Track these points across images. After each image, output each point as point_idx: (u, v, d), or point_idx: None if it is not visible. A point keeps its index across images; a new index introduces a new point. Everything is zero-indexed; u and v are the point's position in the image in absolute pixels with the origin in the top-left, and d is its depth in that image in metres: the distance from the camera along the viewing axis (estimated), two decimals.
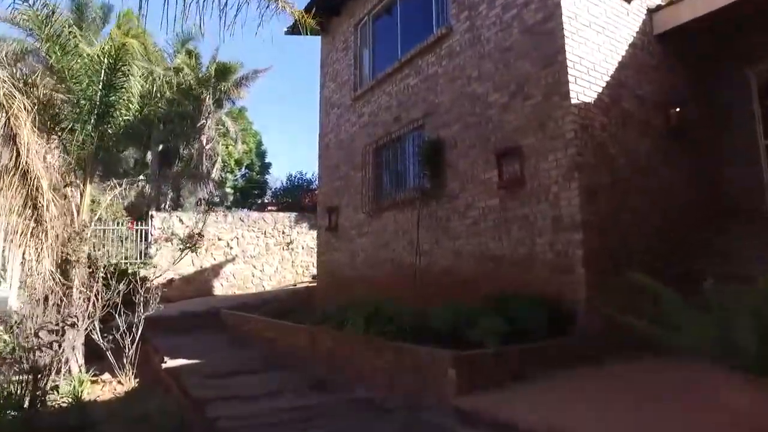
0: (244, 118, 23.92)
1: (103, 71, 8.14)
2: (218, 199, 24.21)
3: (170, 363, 7.59)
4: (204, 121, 20.99)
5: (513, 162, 6.20)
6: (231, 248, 19.47)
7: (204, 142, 20.98)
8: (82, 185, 8.69)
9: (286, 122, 62.06)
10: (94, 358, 8.00)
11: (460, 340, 4.83)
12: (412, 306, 6.78)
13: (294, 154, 62.27)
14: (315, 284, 12.53)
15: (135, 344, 7.69)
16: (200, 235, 18.93)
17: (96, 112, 8.16)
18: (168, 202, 21.49)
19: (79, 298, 8.04)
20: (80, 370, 8.00)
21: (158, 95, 19.57)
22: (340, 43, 11.03)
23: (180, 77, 20.65)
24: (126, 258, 18.92)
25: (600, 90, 5.94)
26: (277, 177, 35.11)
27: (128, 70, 8.18)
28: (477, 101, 6.97)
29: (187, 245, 19.19)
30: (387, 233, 8.62)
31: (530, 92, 6.12)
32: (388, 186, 8.96)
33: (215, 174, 21.17)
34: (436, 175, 7.45)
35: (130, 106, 8.64)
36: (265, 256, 19.77)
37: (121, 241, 19.10)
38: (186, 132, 22.36)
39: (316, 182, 23.75)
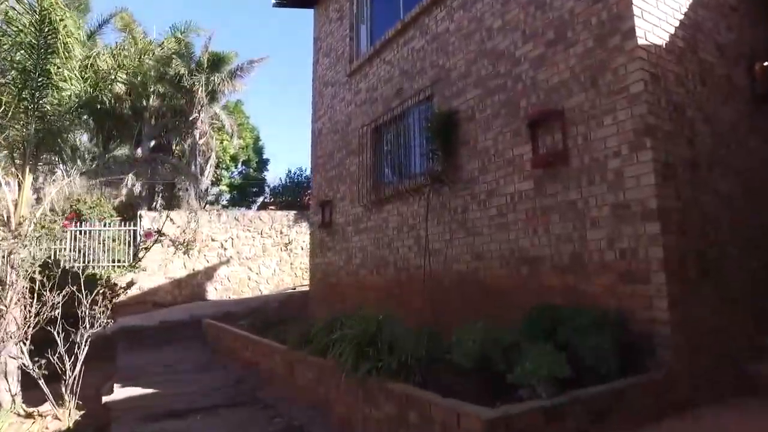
0: (240, 111, 22.40)
1: (31, 30, 6.55)
2: (213, 198, 22.74)
3: (117, 394, 6.05)
4: (197, 114, 19.48)
5: (552, 131, 4.59)
6: (225, 249, 17.95)
7: (197, 137, 19.48)
8: (19, 174, 7.17)
9: (284, 116, 60.21)
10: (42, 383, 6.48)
11: (492, 380, 3.25)
12: (421, 321, 5.19)
13: (293, 150, 60.39)
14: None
15: (78, 368, 6.15)
16: (191, 240, 17.48)
17: (30, 83, 6.62)
18: (160, 201, 20.02)
19: (16, 311, 6.54)
20: (13, 401, 6.49)
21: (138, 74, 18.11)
22: (334, 13, 9.45)
23: (171, 68, 19.18)
24: (114, 261, 17.50)
25: (672, 31, 4.31)
26: (276, 175, 33.92)
27: (64, 29, 6.57)
28: (501, 58, 5.36)
29: (178, 246, 17.74)
30: (389, 230, 7.04)
31: (575, 37, 4.50)
32: (390, 173, 7.37)
33: (209, 171, 19.66)
34: (448, 155, 5.85)
35: (79, 75, 7.07)
36: (262, 258, 18.23)
37: (108, 243, 17.70)
38: (179, 127, 20.87)
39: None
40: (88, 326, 6.11)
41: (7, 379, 6.66)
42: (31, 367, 5.99)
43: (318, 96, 9.89)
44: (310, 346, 4.93)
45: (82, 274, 6.88)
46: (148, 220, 17.55)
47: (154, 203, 19.96)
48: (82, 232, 17.35)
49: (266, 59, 20.50)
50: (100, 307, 6.06)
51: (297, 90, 60.00)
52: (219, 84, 19.73)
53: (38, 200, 19.39)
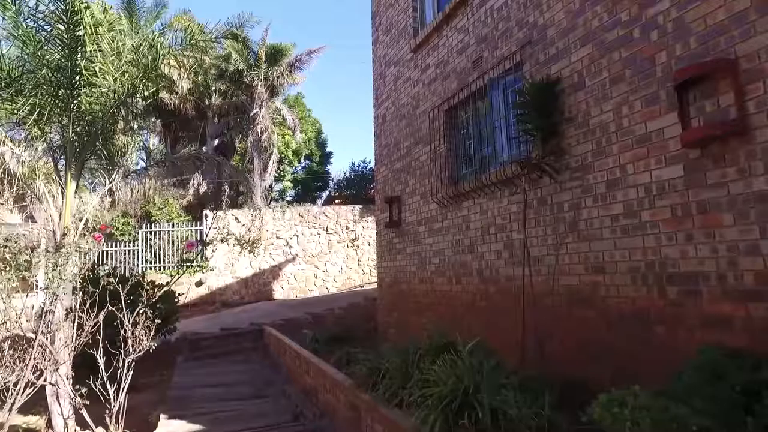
0: (301, 105, 21.73)
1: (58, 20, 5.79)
2: (277, 194, 22.30)
3: (162, 427, 5.25)
4: (257, 110, 18.96)
5: (715, 92, 3.17)
6: (291, 247, 17.34)
7: (258, 133, 18.97)
8: (62, 182, 6.56)
9: (347, 107, 59.22)
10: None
11: None
12: (516, 349, 3.95)
13: (358, 142, 59.20)
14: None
15: (122, 395, 5.40)
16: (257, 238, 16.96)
17: (61, 81, 5.91)
18: (225, 200, 19.76)
19: (66, 329, 5.93)
20: (66, 425, 5.89)
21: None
22: None
23: (231, 63, 18.74)
24: (183, 262, 17.36)
25: None
26: (340, 169, 33.16)
27: (91, 18, 5.77)
28: (622, 0, 3.95)
29: (244, 245, 17.31)
30: (470, 231, 5.79)
31: None
32: (469, 162, 6.10)
33: (271, 167, 19.13)
34: (548, 136, 4.50)
35: (115, 71, 6.31)
36: (328, 255, 17.47)
37: (177, 243, 17.59)
38: (240, 124, 20.51)
39: None
40: (130, 350, 5.32)
41: (59, 402, 6.10)
42: (72, 397, 5.32)
43: (379, 79, 8.74)
44: (381, 388, 3.82)
45: (137, 281, 6.20)
46: (212, 219, 17.25)
47: (220, 202, 19.71)
48: (153, 233, 17.36)
49: (325, 48, 19.67)
50: (141, 328, 5.25)
51: (359, 78, 58.70)
52: (278, 77, 19.11)
53: (113, 203, 19.69)
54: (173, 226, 17.33)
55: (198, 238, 17.15)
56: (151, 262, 16.93)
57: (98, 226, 13.45)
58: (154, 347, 5.26)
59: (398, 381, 3.59)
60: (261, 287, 16.93)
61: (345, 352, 5.94)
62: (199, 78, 20.23)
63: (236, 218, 17.15)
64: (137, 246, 17.07)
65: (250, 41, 18.87)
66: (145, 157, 25.58)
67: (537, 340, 4.22)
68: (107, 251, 16.89)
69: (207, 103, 20.82)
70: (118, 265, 16.77)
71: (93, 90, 6.14)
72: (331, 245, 17.35)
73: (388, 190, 8.03)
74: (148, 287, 5.46)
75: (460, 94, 6.06)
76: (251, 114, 18.99)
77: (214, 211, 17.51)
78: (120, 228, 17.87)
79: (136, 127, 20.26)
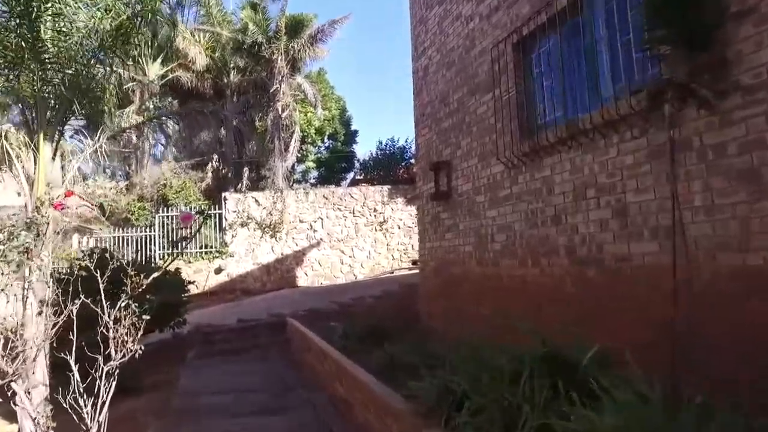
0: (323, 81, 20.32)
1: None
2: (300, 176, 21.01)
3: None
4: (277, 86, 17.61)
5: None
6: (315, 231, 16.04)
7: (279, 110, 17.63)
8: (34, 144, 5.28)
9: (373, 84, 56.72)
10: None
11: None
12: (672, 368, 2.51)
13: (384, 120, 56.61)
14: (417, 276, 8.53)
15: (102, 414, 4.11)
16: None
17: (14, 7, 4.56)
18: (245, 182, 18.55)
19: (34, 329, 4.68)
20: None
21: None
22: None
23: (248, 35, 17.41)
24: (203, 247, 16.24)
25: None
26: (366, 149, 31.46)
27: None
28: None
29: (265, 229, 16.10)
30: (554, 196, 4.31)
31: None
32: (551, 107, 4.60)
33: (294, 146, 17.80)
34: (701, 43, 2.99)
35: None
36: (355, 239, 16.12)
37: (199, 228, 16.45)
38: (260, 102, 19.21)
39: (413, 148, 19.63)
40: (112, 354, 4.01)
41: (32, 417, 4.88)
42: (35, 415, 4.06)
43: (419, 25, 7.25)
44: (465, 427, 2.41)
45: (119, 265, 4.91)
46: (232, 202, 16.03)
47: (240, 185, 18.52)
48: (170, 217, 16.25)
49: (349, 18, 18.14)
50: (124, 326, 3.93)
51: (386, 51, 56.23)
52: (299, 51, 17.71)
53: (129, 188, 18.68)
54: (191, 210, 16.16)
55: (195, 217, 15.92)
56: (168, 248, 15.82)
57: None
58: (141, 351, 3.93)
59: (498, 419, 2.19)
60: (283, 274, 15.71)
61: (388, 356, 4.58)
62: (216, 54, 18.97)
63: (257, 201, 15.91)
64: (154, 231, 15.98)
65: (269, 12, 17.51)
66: (163, 141, 24.60)
67: (691, 349, 2.74)
68: (122, 237, 15.85)
69: (225, 81, 19.57)
70: (134, 253, 15.76)
71: (61, 24, 4.80)
72: (358, 229, 16.00)
73: (433, 156, 6.59)
74: (133, 273, 4.09)
75: (537, 18, 4.54)
76: (271, 90, 17.65)
77: (234, 194, 16.31)
78: (136, 213, 16.83)
79: (151, 107, 19.22)
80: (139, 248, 15.82)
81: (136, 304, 4.01)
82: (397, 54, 55.26)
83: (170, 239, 15.92)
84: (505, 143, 4.95)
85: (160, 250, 15.81)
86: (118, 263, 4.43)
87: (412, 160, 17.93)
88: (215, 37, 18.51)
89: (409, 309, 7.44)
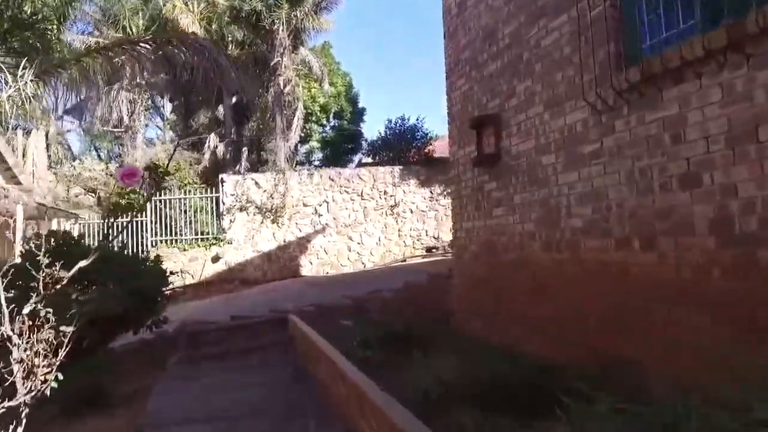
0: (329, 55, 18.75)
1: None
2: (303, 158, 19.47)
3: None
4: (278, 59, 16.07)
5: None
6: (320, 215, 14.58)
7: (281, 85, 16.11)
8: None
9: (380, 59, 54.13)
10: None
11: None
12: None
13: (393, 99, 53.77)
14: (443, 264, 7.11)
15: None
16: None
17: None
18: (244, 163, 17.08)
19: None
20: None
21: None
22: None
23: (246, 2, 15.86)
24: (199, 233, 14.84)
25: None
26: (374, 129, 29.34)
27: None
28: None
29: (266, 214, 14.68)
30: (686, 144, 2.84)
31: None
32: (670, 20, 3.13)
33: (296, 124, 16.30)
34: None
35: None
36: (364, 224, 14.66)
37: (194, 213, 15.05)
38: (261, 77, 17.67)
39: (424, 128, 17.98)
40: (19, 387, 2.59)
41: None
42: None
43: None
44: None
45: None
46: (230, 184, 14.57)
47: (239, 166, 17.07)
48: (163, 201, 14.83)
49: None
50: (32, 344, 2.50)
51: (394, 22, 53.48)
52: (302, 20, 16.12)
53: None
54: (186, 194, 14.73)
55: (215, 207, 14.54)
56: (161, 235, 14.41)
57: None
58: (54, 384, 2.50)
59: None
60: (286, 262, 14.29)
61: (431, 377, 3.16)
62: (213, 26, 17.41)
63: (257, 183, 14.45)
64: (146, 217, 14.55)
65: None
66: (159, 123, 23.13)
67: None
68: (111, 223, 14.42)
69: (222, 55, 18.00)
70: (125, 240, 14.38)
71: None
72: (367, 213, 14.55)
73: (473, 110, 5.12)
74: (48, 260, 2.63)
75: None
76: (272, 63, 16.11)
77: (233, 176, 14.86)
78: (126, 197, 15.41)
79: (143, 83, 17.72)
80: (130, 235, 14.41)
81: (49, 309, 2.56)
82: (406, 27, 52.75)
83: (164, 225, 14.48)
84: (591, 79, 3.48)
85: (152, 237, 14.40)
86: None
87: (426, 139, 16.44)
88: (211, 6, 16.95)
89: (437, 305, 6.03)
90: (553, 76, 3.94)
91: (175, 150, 16.30)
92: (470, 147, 5.08)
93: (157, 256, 6.60)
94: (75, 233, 13.76)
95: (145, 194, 15.23)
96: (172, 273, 6.40)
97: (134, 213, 14.72)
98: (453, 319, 5.45)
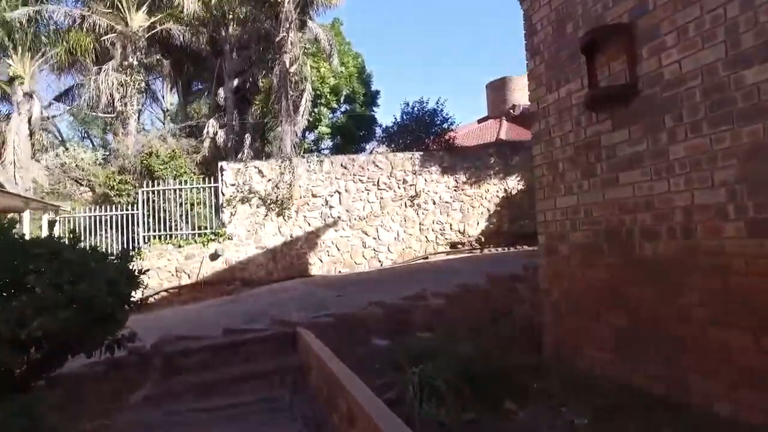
0: (339, 34, 17.00)
1: None
2: (311, 145, 17.69)
3: None
4: (284, 34, 14.33)
5: None
6: (331, 207, 12.81)
7: (287, 63, 14.36)
8: None
9: (394, 40, 50.81)
10: None
11: None
12: None
13: (409, 84, 50.23)
14: (475, 264, 5.32)
15: None
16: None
17: None
18: (246, 150, 15.35)
19: None
20: None
21: None
22: None
23: None
24: (197, 228, 13.14)
25: None
26: (389, 117, 27.04)
27: None
28: None
29: (270, 206, 12.95)
30: None
31: None
32: None
33: (304, 106, 14.56)
34: None
35: None
36: (381, 217, 12.88)
37: (191, 206, 13.32)
38: (265, 57, 15.98)
39: (444, 113, 16.11)
40: None
41: None
42: None
43: None
44: None
45: None
46: (231, 173, 12.84)
47: (241, 155, 15.35)
48: (156, 192, 13.13)
49: None
50: None
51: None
52: None
53: (107, 158, 15.55)
54: (181, 184, 13.02)
55: (214, 198, 12.83)
56: (154, 230, 12.69)
57: None
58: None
59: None
60: (293, 260, 12.55)
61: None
62: (213, 1, 15.72)
63: (260, 171, 12.70)
64: (137, 210, 12.83)
65: None
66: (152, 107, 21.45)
67: None
68: (99, 217, 12.73)
69: (223, 34, 16.34)
70: (114, 234, 12.70)
71: None
72: (384, 204, 12.79)
73: (575, 29, 3.35)
74: None
75: None
76: (277, 39, 14.36)
77: (234, 164, 13.14)
78: (116, 188, 13.71)
79: (135, 63, 16.03)
80: (119, 229, 12.71)
81: None
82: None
83: (157, 219, 12.75)
84: None
85: (144, 231, 12.68)
86: None
87: (449, 124, 14.63)
88: None
89: (512, 320, 4.25)
90: None
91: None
92: (572, 84, 3.33)
93: (124, 250, 4.86)
94: (52, 229, 12.11)
95: (135, 186, 13.50)
96: (141, 272, 4.64)
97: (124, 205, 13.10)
98: (548, 343, 3.68)
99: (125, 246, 12.36)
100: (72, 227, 12.36)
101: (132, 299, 4.54)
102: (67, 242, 4.42)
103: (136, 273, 4.61)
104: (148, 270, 4.90)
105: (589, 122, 3.23)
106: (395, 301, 5.13)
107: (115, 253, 4.82)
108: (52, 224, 4.26)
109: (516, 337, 4.01)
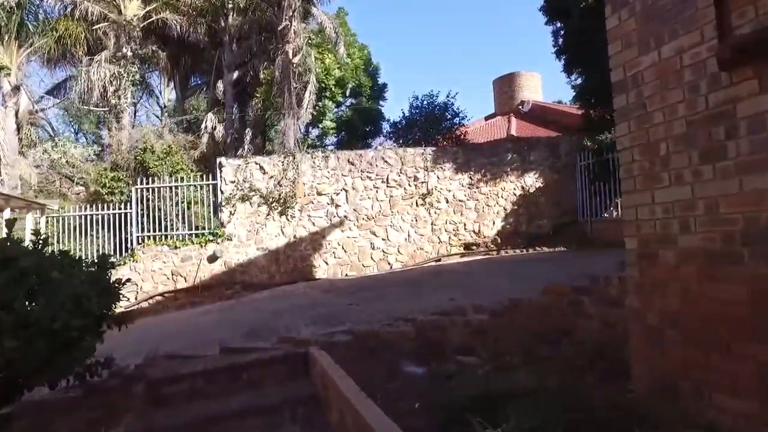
0: (344, 24, 16.16)
1: None
2: (315, 140, 16.83)
3: None
4: (287, 22, 13.47)
5: None
6: (337, 206, 11.96)
7: (290, 53, 13.50)
8: None
9: (401, 32, 49.41)
10: None
11: None
12: None
13: (417, 79, 48.61)
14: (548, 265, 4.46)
15: None
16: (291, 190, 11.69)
17: None
18: (247, 146, 14.49)
19: None
20: None
21: None
22: None
23: None
24: (194, 228, 12.28)
25: None
26: (397, 112, 25.79)
27: None
28: None
29: (272, 205, 12.09)
30: None
31: None
32: None
33: (308, 99, 13.70)
34: None
35: None
36: (390, 217, 12.04)
37: (188, 204, 12.45)
38: (266, 48, 15.10)
39: (455, 107, 15.17)
40: None
41: None
42: None
43: None
44: None
45: None
46: (230, 170, 11.98)
47: (241, 151, 14.49)
48: (151, 190, 12.26)
49: None
50: None
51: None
52: None
53: (99, 154, 14.65)
54: (178, 181, 12.14)
55: (212, 197, 11.99)
56: (148, 230, 11.81)
57: None
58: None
59: None
60: (297, 262, 11.70)
61: None
62: None
63: (261, 168, 11.85)
64: (131, 208, 11.95)
65: None
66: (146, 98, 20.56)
67: None
68: (90, 216, 11.83)
69: (223, 24, 15.47)
70: (106, 235, 11.81)
71: None
72: (394, 203, 11.95)
73: None
74: None
75: None
76: (279, 28, 13.51)
77: (233, 160, 12.27)
78: (108, 185, 12.84)
79: (129, 54, 15.14)
80: (111, 230, 11.82)
81: None
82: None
83: (152, 218, 11.88)
84: None
85: (138, 232, 11.80)
86: None
87: (461, 119, 13.80)
88: None
89: (572, 342, 3.39)
90: None
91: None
92: (684, 38, 2.48)
93: (103, 256, 3.98)
94: (38, 227, 11.22)
95: (129, 183, 12.58)
96: (120, 282, 3.77)
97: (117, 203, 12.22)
98: (641, 377, 2.82)
99: (119, 247, 11.53)
100: (59, 228, 11.53)
101: (111, 315, 3.68)
102: (31, 246, 3.56)
103: (114, 285, 3.75)
104: (129, 280, 4.02)
105: (715, 86, 2.37)
106: (424, 317, 4.26)
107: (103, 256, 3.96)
108: (11, 223, 3.48)
109: (584, 365, 3.16)
